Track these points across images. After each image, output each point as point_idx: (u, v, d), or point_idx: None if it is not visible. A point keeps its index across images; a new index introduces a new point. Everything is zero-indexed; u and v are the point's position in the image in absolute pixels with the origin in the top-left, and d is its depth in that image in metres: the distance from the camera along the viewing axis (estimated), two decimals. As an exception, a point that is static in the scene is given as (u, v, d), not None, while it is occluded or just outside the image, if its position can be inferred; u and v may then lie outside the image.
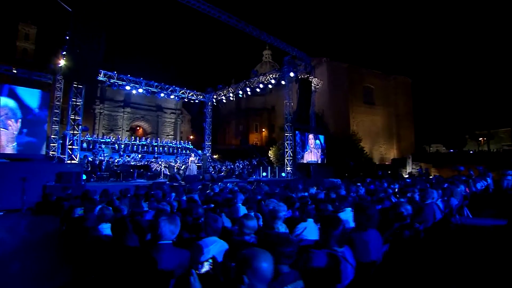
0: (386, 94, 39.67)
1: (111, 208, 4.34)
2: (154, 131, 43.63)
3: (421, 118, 43.57)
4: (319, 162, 21.08)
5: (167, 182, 12.67)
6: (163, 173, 15.80)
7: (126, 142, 21.98)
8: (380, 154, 38.25)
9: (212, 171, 17.12)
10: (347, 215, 4.71)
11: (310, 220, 3.91)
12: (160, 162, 18.23)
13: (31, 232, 7.64)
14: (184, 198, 7.00)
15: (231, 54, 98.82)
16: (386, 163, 35.78)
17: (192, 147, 25.39)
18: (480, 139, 55.01)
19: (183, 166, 16.31)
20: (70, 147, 12.25)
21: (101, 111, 39.51)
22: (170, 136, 42.57)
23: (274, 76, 20.57)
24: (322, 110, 29.26)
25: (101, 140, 20.83)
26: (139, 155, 20.17)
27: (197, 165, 15.84)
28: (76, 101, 12.18)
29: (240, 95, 23.30)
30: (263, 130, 49.46)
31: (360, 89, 38.42)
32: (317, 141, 21.42)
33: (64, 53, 14.24)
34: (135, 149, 21.97)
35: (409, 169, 25.44)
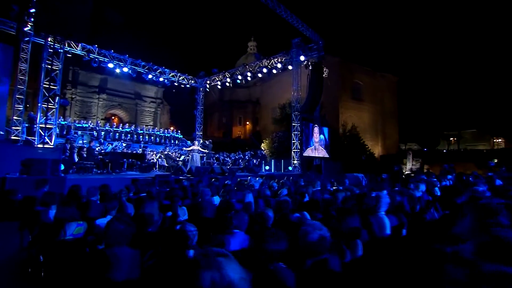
0: (373, 91, 38.54)
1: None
2: (132, 121, 39.29)
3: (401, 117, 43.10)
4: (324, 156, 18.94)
5: (172, 176, 9.71)
6: (159, 164, 12.72)
7: (107, 128, 18.36)
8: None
9: (215, 162, 14.28)
10: None
11: None
12: (149, 152, 15.03)
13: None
14: (250, 199, 4.32)
15: (214, 45, 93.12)
16: (374, 159, 34.63)
17: (181, 136, 22.17)
18: (451, 139, 56.49)
19: (182, 157, 13.30)
20: (43, 126, 8.80)
21: (73, 96, 34.69)
22: (149, 127, 38.58)
23: (280, 60, 17.95)
24: (322, 102, 27.10)
25: (77, 125, 17.09)
26: (124, 144, 16.73)
27: (200, 156, 12.87)
28: (52, 63, 8.73)
29: (238, 81, 20.44)
30: (247, 123, 46.75)
31: (349, 84, 36.95)
32: (321, 136, 19.21)
33: (33, 10, 10.67)
34: (117, 137, 18.45)
35: (409, 165, 24.14)
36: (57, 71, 8.93)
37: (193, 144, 12.11)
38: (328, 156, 19.17)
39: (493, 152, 42.36)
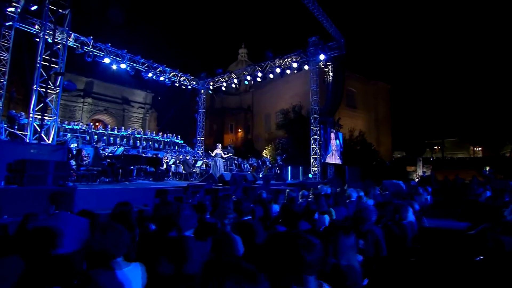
0: (366, 98, 37.94)
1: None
2: (119, 127, 36.21)
3: (393, 125, 42.72)
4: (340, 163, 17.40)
5: (205, 184, 7.57)
6: (172, 171, 10.47)
7: (101, 131, 15.79)
8: (361, 158, 36.10)
9: (236, 169, 12.21)
10: None
11: None
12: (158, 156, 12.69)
13: None
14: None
15: (203, 52, 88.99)
16: (371, 167, 33.62)
17: (182, 142, 19.84)
18: (435, 147, 57.08)
19: (199, 163, 11.09)
20: (39, 116, 6.36)
21: (56, 100, 31.28)
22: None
23: (295, 59, 16.28)
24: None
25: (67, 127, 14.44)
26: (121, 148, 14.24)
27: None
28: (54, 34, 6.34)
29: (246, 82, 18.59)
30: (239, 130, 44.73)
31: (343, 92, 36.06)
32: (337, 141, 17.75)
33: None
34: (111, 141, 15.94)
35: (419, 172, 23.02)
36: (60, 46, 6.54)
37: (216, 148, 10.01)
38: (341, 162, 17.65)
39: (487, 159, 42.87)
